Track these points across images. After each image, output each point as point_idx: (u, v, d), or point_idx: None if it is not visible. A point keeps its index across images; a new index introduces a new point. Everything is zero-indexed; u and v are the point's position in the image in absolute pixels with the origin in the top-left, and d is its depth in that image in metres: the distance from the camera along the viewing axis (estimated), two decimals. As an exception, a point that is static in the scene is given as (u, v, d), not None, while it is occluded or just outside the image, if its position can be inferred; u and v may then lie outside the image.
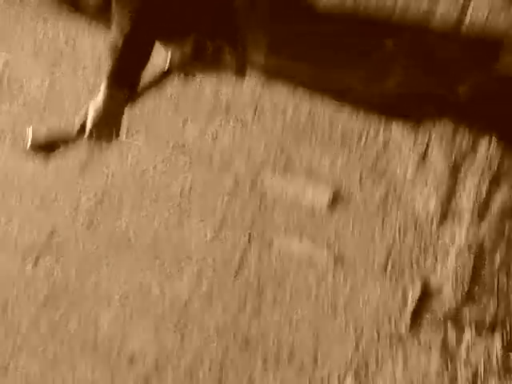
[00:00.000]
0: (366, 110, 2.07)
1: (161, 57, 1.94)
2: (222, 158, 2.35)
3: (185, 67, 1.90)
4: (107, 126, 1.49)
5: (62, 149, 1.52)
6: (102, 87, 1.47)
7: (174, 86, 2.27)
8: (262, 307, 2.10)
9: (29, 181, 2.46)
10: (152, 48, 1.50)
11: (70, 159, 2.35)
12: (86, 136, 1.51)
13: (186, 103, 2.44)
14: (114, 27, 1.46)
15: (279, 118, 2.31)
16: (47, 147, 1.51)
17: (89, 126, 1.48)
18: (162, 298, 2.19)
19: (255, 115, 2.35)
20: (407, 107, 1.96)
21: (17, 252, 2.34)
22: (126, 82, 1.48)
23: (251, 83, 2.34)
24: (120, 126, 1.53)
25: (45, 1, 1.75)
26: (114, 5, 1.46)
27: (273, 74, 1.70)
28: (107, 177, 2.42)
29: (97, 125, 1.48)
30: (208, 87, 2.41)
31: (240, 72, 1.69)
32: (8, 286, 2.29)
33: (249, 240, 2.21)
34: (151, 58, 1.85)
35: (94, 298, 2.22)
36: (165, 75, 1.88)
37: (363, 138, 2.16)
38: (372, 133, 2.14)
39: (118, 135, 1.54)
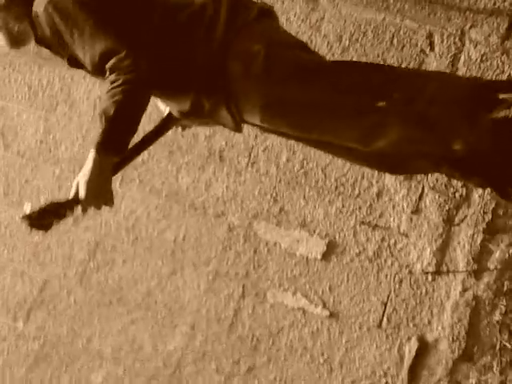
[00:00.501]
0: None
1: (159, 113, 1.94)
2: (216, 206, 2.33)
3: (182, 122, 1.90)
4: (98, 195, 1.47)
5: (56, 224, 1.50)
6: (90, 156, 1.45)
7: (167, 135, 2.26)
8: (256, 366, 2.05)
9: (21, 231, 2.45)
10: (142, 114, 1.49)
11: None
12: (79, 210, 1.49)
13: (180, 152, 2.42)
14: (105, 95, 1.45)
15: (272, 166, 2.29)
16: (43, 225, 1.49)
17: (81, 197, 1.46)
18: (155, 355, 2.14)
19: (249, 163, 2.33)
20: (400, 159, 1.94)
21: (8, 306, 2.32)
22: (115, 149, 1.47)
23: (245, 132, 2.33)
24: (111, 192, 1.50)
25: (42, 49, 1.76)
26: (107, 75, 1.45)
27: (267, 130, 1.69)
28: (100, 226, 2.40)
29: (89, 195, 1.46)
30: (202, 136, 2.41)
31: (235, 128, 1.68)
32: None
33: (243, 292, 2.18)
34: (151, 114, 1.85)
35: (85, 355, 2.19)
36: (162, 131, 1.88)
37: (356, 189, 2.14)
38: (365, 183, 2.12)
39: (111, 203, 1.51)
